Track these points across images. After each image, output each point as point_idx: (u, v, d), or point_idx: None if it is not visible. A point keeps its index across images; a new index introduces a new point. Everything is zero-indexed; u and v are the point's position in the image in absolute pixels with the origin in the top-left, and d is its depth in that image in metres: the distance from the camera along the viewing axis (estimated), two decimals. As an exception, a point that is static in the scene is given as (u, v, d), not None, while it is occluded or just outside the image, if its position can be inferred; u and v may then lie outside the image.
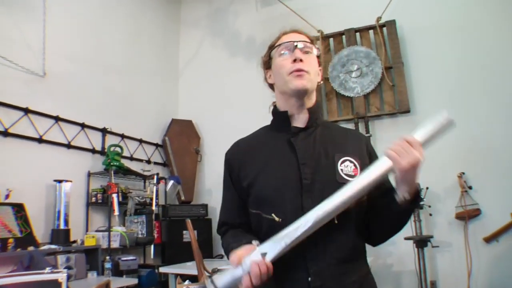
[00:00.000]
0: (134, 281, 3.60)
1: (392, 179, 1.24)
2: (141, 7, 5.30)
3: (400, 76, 4.31)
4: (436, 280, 3.88)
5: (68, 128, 3.93)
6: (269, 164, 1.36)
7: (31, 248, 3.09)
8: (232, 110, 5.28)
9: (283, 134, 1.39)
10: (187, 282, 2.85)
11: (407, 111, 4.25)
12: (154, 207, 4.28)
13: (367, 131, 4.33)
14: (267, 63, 1.47)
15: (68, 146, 3.90)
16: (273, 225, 1.26)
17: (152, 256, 4.29)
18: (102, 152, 4.25)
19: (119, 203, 3.98)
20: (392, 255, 4.08)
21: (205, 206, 4.90)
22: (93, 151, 4.18)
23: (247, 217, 1.39)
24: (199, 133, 5.50)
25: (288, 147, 1.36)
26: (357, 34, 4.65)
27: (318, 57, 1.44)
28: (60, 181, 3.61)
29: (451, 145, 4.00)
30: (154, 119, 5.25)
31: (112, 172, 4.01)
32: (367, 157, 1.40)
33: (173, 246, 4.51)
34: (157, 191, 4.39)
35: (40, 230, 3.47)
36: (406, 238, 3.62)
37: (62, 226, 3.53)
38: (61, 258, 3.23)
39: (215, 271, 3.07)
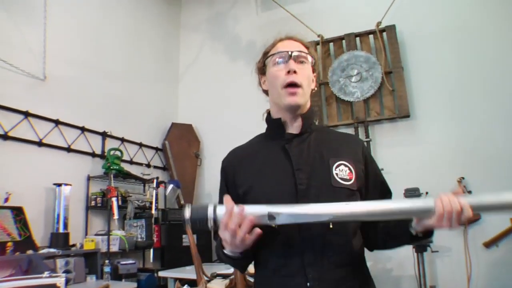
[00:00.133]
0: (133, 285, 3.60)
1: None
2: (141, 11, 5.31)
3: (399, 81, 4.32)
4: (436, 285, 3.87)
5: (68, 131, 3.93)
6: (264, 171, 1.36)
7: (30, 252, 3.08)
8: (232, 114, 5.29)
9: (277, 141, 1.39)
10: (186, 286, 2.85)
11: (407, 116, 4.25)
12: (153, 211, 4.27)
13: (367, 136, 4.34)
14: (262, 69, 1.47)
15: (68, 149, 3.90)
16: (269, 232, 1.25)
17: (151, 260, 4.28)
18: (102, 156, 4.25)
19: (119, 207, 3.97)
20: (391, 260, 4.08)
21: (204, 210, 4.87)
22: (93, 154, 4.17)
23: None
24: (199, 137, 5.50)
25: (282, 153, 1.36)
26: (357, 38, 4.67)
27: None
28: (59, 185, 3.60)
29: (451, 149, 4.02)
30: (154, 123, 5.25)
31: (112, 176, 4.00)
32: (363, 161, 1.39)
33: (172, 250, 4.50)
34: (156, 195, 4.39)
35: (39, 233, 3.46)
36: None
37: (61, 230, 3.52)
38: (60, 262, 3.23)
39: (214, 275, 3.07)
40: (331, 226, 1.22)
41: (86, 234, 3.93)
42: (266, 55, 1.44)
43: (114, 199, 3.90)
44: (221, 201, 1.45)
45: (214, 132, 5.42)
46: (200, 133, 5.55)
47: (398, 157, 4.21)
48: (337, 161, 1.33)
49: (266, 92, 1.49)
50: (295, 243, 1.23)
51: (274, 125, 1.42)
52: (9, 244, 3.03)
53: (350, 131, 4.43)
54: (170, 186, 4.66)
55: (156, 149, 5.20)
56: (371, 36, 4.62)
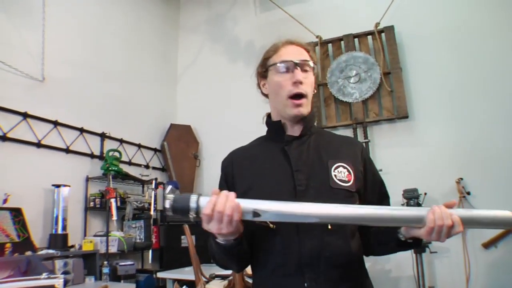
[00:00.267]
0: (132, 286, 3.60)
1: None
2: (140, 12, 5.32)
3: (398, 82, 4.32)
4: (435, 286, 3.87)
5: (67, 132, 3.93)
6: (264, 172, 1.36)
7: (28, 253, 3.07)
8: (231, 115, 5.29)
9: (277, 143, 1.40)
10: (184, 287, 2.85)
11: (406, 117, 4.25)
12: (152, 212, 4.27)
13: (366, 137, 4.34)
14: (262, 74, 1.46)
15: (67, 150, 3.90)
16: (267, 232, 1.26)
17: (150, 261, 4.27)
18: (100, 157, 4.25)
19: (117, 208, 3.97)
20: (390, 261, 4.08)
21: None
22: (91, 155, 4.17)
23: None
24: (197, 138, 5.50)
25: (282, 155, 1.37)
26: (356, 39, 4.67)
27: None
28: (58, 186, 3.60)
29: (450, 150, 4.02)
30: (153, 124, 5.25)
31: (111, 177, 4.01)
32: (362, 163, 1.39)
33: (171, 251, 4.50)
34: (155, 196, 4.39)
35: (38, 234, 3.46)
36: (404, 244, 3.61)
37: (60, 231, 3.52)
38: (58, 263, 3.22)
39: (213, 276, 3.07)
40: (329, 227, 1.23)
41: (85, 235, 3.93)
42: (267, 60, 1.43)
43: (112, 200, 3.90)
44: None
45: (213, 133, 5.42)
46: (198, 134, 5.55)
47: (396, 157, 4.22)
48: (336, 163, 1.33)
49: (265, 95, 1.49)
50: (293, 243, 1.23)
51: (274, 127, 1.43)
52: (8, 245, 3.03)
53: (349, 132, 4.44)
54: (169, 187, 4.60)
55: (155, 150, 5.20)
56: (369, 37, 4.62)
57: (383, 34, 4.52)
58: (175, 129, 5.39)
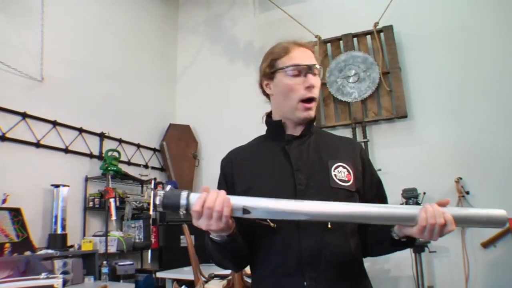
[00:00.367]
0: (131, 286, 3.59)
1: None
2: (139, 13, 5.32)
3: (397, 81, 4.33)
4: (434, 285, 3.88)
5: (66, 132, 3.93)
6: (264, 171, 1.37)
7: (28, 253, 3.07)
8: (230, 114, 5.29)
9: (277, 142, 1.40)
10: (183, 287, 2.85)
11: (405, 116, 4.26)
12: (151, 212, 4.27)
13: (365, 136, 4.34)
14: (269, 75, 1.42)
15: (66, 150, 3.90)
16: (267, 231, 1.26)
17: (149, 261, 4.28)
18: (99, 157, 4.24)
19: (117, 208, 3.97)
20: (389, 260, 4.08)
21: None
22: (90, 155, 4.17)
23: (239, 225, 1.39)
24: (196, 138, 5.50)
25: (282, 154, 1.37)
26: (355, 39, 4.67)
27: None
28: (57, 186, 3.60)
29: (449, 150, 4.02)
30: (152, 123, 5.25)
31: (110, 177, 4.01)
32: (360, 163, 1.40)
33: (170, 251, 4.50)
34: (154, 195, 4.37)
35: (37, 234, 3.46)
36: (404, 243, 3.61)
37: (59, 231, 3.52)
38: (58, 263, 3.22)
39: (212, 276, 3.07)
40: (329, 226, 1.23)
41: (84, 235, 3.93)
42: (275, 61, 1.40)
43: (112, 200, 3.90)
44: None
45: (212, 133, 5.42)
46: (198, 134, 5.55)
47: (395, 157, 4.22)
48: (335, 162, 1.34)
49: (266, 95, 1.48)
50: (293, 242, 1.23)
51: (274, 127, 1.43)
52: (7, 245, 3.03)
53: (348, 131, 4.44)
54: (168, 187, 4.62)
55: (154, 150, 5.20)
56: (368, 37, 4.62)
57: (382, 34, 4.53)
58: (174, 129, 5.39)
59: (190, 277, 3.16)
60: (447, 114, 4.14)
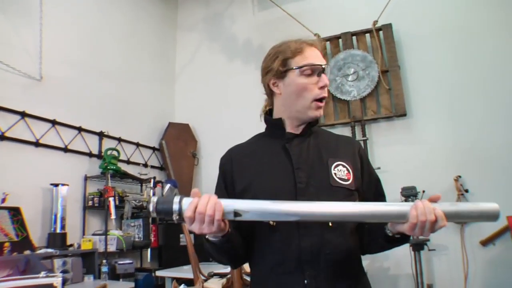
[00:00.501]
0: (131, 284, 3.59)
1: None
2: (138, 11, 5.31)
3: (396, 80, 4.33)
4: (433, 283, 3.88)
5: (65, 131, 3.93)
6: (264, 169, 1.36)
7: (27, 252, 3.08)
8: (229, 113, 5.29)
9: (277, 140, 1.40)
10: (182, 286, 2.85)
11: (404, 115, 4.26)
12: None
13: (364, 135, 4.34)
14: (280, 73, 1.39)
15: (65, 149, 3.90)
16: (266, 230, 1.27)
17: (149, 260, 4.28)
18: (99, 156, 4.24)
19: (116, 207, 3.97)
20: (388, 259, 4.09)
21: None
22: (90, 154, 4.17)
23: (239, 222, 1.39)
24: (196, 137, 5.50)
25: (282, 152, 1.37)
26: (354, 37, 4.67)
27: None
28: (56, 185, 3.60)
29: (448, 148, 4.03)
30: (151, 122, 5.25)
31: (109, 176, 4.01)
32: (359, 161, 1.40)
33: (169, 249, 4.50)
34: (154, 194, 4.38)
35: (36, 234, 3.46)
36: (403, 241, 3.61)
37: (58, 230, 3.52)
38: (57, 262, 3.22)
39: (211, 274, 3.08)
40: (330, 225, 1.24)
41: (84, 234, 3.93)
42: (287, 60, 1.37)
43: (111, 199, 3.90)
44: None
45: (211, 132, 5.42)
46: (197, 132, 5.55)
47: (395, 155, 4.22)
48: (335, 161, 1.34)
49: (271, 93, 1.45)
50: (293, 241, 1.24)
51: (274, 125, 1.43)
52: (7, 244, 3.03)
53: (347, 130, 4.44)
54: (167, 186, 4.57)
55: (153, 148, 5.20)
56: (367, 35, 4.62)
57: (381, 32, 4.52)
58: (173, 127, 5.39)
59: (190, 275, 3.16)
60: (446, 112, 4.14)
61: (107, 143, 4.39)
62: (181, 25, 6.06)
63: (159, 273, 3.79)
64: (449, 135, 4.07)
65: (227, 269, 2.97)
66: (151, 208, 1.10)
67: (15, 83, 3.51)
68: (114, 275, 3.74)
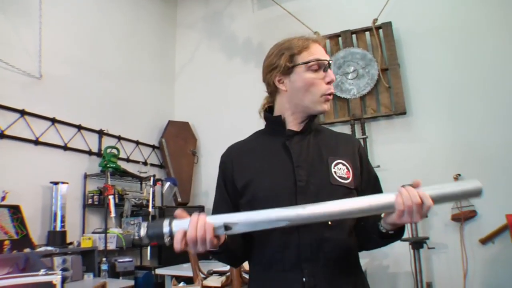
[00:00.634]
0: (131, 282, 3.60)
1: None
2: (137, 10, 5.31)
3: (396, 78, 4.33)
4: (432, 281, 3.89)
5: (65, 130, 3.93)
6: (264, 166, 1.36)
7: (27, 250, 3.08)
8: (229, 112, 5.29)
9: (278, 137, 1.40)
10: (182, 283, 2.86)
11: (403, 113, 4.26)
12: (150, 209, 4.27)
13: (363, 133, 4.34)
14: (287, 70, 1.38)
15: (65, 148, 3.90)
16: None
17: (148, 258, 4.28)
18: (98, 154, 4.25)
19: (116, 205, 3.96)
20: (388, 257, 4.09)
21: (201, 208, 4.91)
22: (89, 153, 4.18)
23: None
24: (195, 135, 5.50)
25: (283, 150, 1.36)
26: (354, 35, 4.67)
27: None
28: (56, 183, 3.61)
29: (448, 147, 4.03)
30: (151, 120, 5.25)
31: (109, 174, 4.01)
32: (358, 160, 1.40)
33: (169, 248, 4.39)
34: (153, 192, 4.39)
35: (36, 232, 3.47)
36: (402, 240, 3.58)
37: (58, 228, 3.53)
38: (57, 260, 3.23)
39: (211, 272, 3.08)
40: (329, 223, 1.23)
41: (83, 232, 3.93)
42: (294, 56, 1.37)
43: (111, 197, 3.89)
44: (217, 197, 1.46)
45: (210, 130, 5.43)
46: (196, 130, 5.55)
47: (394, 154, 4.23)
48: (335, 159, 1.34)
49: (275, 89, 1.44)
50: (293, 238, 1.23)
51: (275, 122, 1.43)
52: (7, 242, 3.03)
53: (347, 128, 4.44)
54: (167, 184, 4.67)
55: (153, 147, 5.21)
56: (367, 33, 4.62)
57: (381, 30, 4.52)
58: (173, 126, 5.39)
59: (189, 273, 3.17)
60: (446, 110, 4.14)
61: (107, 141, 4.39)
62: (180, 24, 6.06)
63: (158, 271, 3.79)
64: (448, 134, 4.07)
65: (227, 267, 2.97)
66: (142, 233, 1.10)
67: (14, 81, 3.51)
68: (113, 273, 3.75)
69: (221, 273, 3.00)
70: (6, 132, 3.38)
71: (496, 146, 3.84)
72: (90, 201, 4.01)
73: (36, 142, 3.62)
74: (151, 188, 4.37)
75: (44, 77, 3.75)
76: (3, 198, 3.19)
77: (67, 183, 3.67)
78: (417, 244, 3.64)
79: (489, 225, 3.73)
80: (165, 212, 4.66)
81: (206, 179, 5.32)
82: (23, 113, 3.53)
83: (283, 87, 1.40)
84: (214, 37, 5.73)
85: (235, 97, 5.25)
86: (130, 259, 3.95)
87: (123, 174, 4.29)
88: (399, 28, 4.49)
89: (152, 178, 4.41)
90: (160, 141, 5.26)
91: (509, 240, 3.49)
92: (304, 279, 1.21)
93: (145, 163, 4.98)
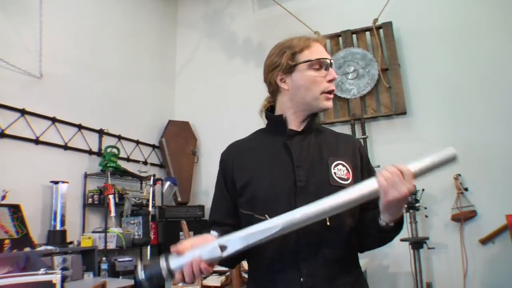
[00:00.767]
0: (131, 282, 3.59)
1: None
2: (138, 9, 5.31)
3: (396, 78, 4.33)
4: (432, 281, 3.89)
5: (65, 129, 3.93)
6: (264, 166, 1.37)
7: (27, 249, 3.08)
8: (229, 111, 5.29)
9: (279, 137, 1.40)
10: (181, 283, 2.86)
11: (404, 113, 4.26)
12: (150, 208, 4.26)
13: (364, 133, 4.34)
14: (289, 68, 1.39)
15: (65, 147, 3.90)
16: None
17: (148, 257, 4.28)
18: (98, 153, 4.25)
19: (116, 204, 3.96)
20: (388, 257, 4.09)
21: (201, 208, 4.90)
22: (89, 152, 4.17)
23: (237, 218, 1.39)
24: (195, 135, 5.50)
25: (283, 149, 1.37)
26: (354, 35, 4.67)
27: None
28: (56, 182, 3.60)
29: (448, 147, 4.02)
30: (151, 120, 5.25)
31: (109, 173, 4.00)
32: (359, 161, 1.40)
33: (169, 247, 4.48)
34: (153, 192, 4.38)
35: (36, 231, 3.46)
36: (402, 240, 3.61)
37: (58, 227, 3.53)
38: (57, 259, 3.23)
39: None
40: (328, 223, 1.23)
41: (83, 231, 3.93)
42: (295, 54, 1.38)
43: (111, 197, 3.89)
44: (217, 195, 1.47)
45: (211, 130, 5.42)
46: (197, 130, 5.55)
47: (394, 154, 4.22)
48: (335, 160, 1.34)
49: (276, 89, 1.45)
50: (291, 238, 1.23)
51: (276, 121, 1.43)
52: (7, 241, 3.03)
53: (347, 128, 4.45)
54: (167, 184, 4.67)
55: (153, 146, 5.21)
56: (367, 33, 4.62)
57: (381, 30, 4.52)
58: (173, 125, 5.39)
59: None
60: (446, 110, 4.14)
61: (107, 141, 4.39)
62: (181, 23, 6.06)
63: (158, 270, 3.79)
64: (449, 134, 4.06)
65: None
66: (140, 277, 1.13)
67: (15, 80, 3.51)
68: (113, 273, 3.74)
69: (220, 273, 3.00)
70: (7, 132, 3.38)
71: (496, 146, 3.84)
72: (90, 200, 4.01)
73: (37, 142, 3.62)
74: (151, 188, 4.36)
75: (44, 77, 3.74)
76: (3, 197, 3.19)
77: (67, 182, 3.67)
78: (417, 244, 3.64)
79: (489, 225, 3.73)
80: (165, 211, 4.66)
81: (206, 178, 5.32)
82: (23, 112, 3.53)
83: (285, 85, 1.41)
84: (214, 36, 5.73)
85: (235, 96, 5.25)
86: (130, 259, 3.95)
87: (123, 173, 4.29)
88: (400, 28, 4.49)
89: (152, 178, 4.40)
90: (160, 141, 5.26)
91: (509, 240, 3.49)
92: (302, 279, 1.21)
93: (145, 163, 4.98)
